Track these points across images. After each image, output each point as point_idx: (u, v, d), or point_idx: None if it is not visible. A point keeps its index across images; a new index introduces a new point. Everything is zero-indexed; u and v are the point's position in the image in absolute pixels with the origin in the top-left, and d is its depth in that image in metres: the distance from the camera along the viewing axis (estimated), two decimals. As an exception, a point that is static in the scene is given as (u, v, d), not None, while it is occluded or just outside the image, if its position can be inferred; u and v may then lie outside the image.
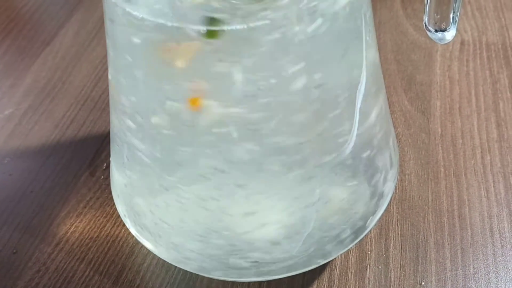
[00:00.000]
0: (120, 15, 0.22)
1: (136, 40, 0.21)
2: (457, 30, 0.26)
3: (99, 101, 0.39)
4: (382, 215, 0.28)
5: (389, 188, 0.27)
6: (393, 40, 0.42)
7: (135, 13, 0.21)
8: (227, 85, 0.21)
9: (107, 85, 0.40)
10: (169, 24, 0.20)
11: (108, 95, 0.39)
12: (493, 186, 0.32)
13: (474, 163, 0.33)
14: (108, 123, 0.37)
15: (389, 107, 0.36)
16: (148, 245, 0.27)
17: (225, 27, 0.20)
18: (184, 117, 0.22)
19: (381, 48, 0.41)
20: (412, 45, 0.41)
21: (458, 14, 0.25)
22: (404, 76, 0.39)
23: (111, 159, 0.28)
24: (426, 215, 0.31)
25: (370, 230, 0.29)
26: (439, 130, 0.35)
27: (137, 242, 0.30)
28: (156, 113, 0.23)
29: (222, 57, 0.20)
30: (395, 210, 0.31)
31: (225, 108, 0.22)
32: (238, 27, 0.20)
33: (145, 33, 0.21)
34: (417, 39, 0.41)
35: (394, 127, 0.35)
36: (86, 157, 0.35)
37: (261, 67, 0.21)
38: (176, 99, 0.22)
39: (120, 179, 0.27)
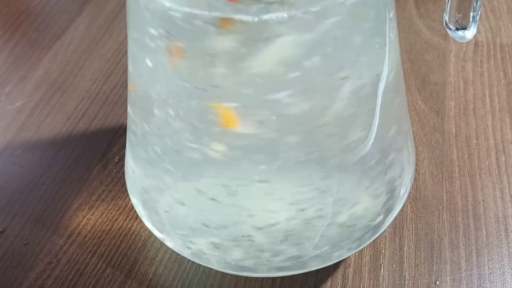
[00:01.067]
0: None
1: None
2: (477, 28, 0.26)
3: (110, 95, 0.39)
4: (397, 214, 0.28)
5: (405, 188, 0.27)
6: (407, 40, 0.42)
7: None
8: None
9: (119, 79, 0.40)
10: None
11: (120, 88, 0.39)
12: (508, 187, 0.32)
13: (488, 164, 0.33)
14: (120, 116, 0.37)
15: (403, 106, 0.37)
16: (163, 238, 0.27)
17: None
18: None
19: (394, 47, 0.41)
20: (425, 45, 0.41)
21: (479, 13, 0.25)
22: (418, 75, 0.39)
23: (128, 151, 0.28)
24: (441, 214, 0.31)
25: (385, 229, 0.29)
26: (454, 130, 0.35)
27: (150, 236, 0.30)
28: (182, 109, 0.22)
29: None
30: (409, 209, 0.31)
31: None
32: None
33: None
34: (431, 39, 0.41)
35: (408, 126, 0.35)
36: (98, 150, 0.35)
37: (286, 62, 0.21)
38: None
39: (137, 170, 0.27)
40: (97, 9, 0.47)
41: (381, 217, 0.26)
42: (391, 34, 0.23)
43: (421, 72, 0.39)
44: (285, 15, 0.20)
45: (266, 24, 0.20)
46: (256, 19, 0.20)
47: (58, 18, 0.46)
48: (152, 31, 0.22)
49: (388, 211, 0.26)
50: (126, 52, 0.42)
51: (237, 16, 0.20)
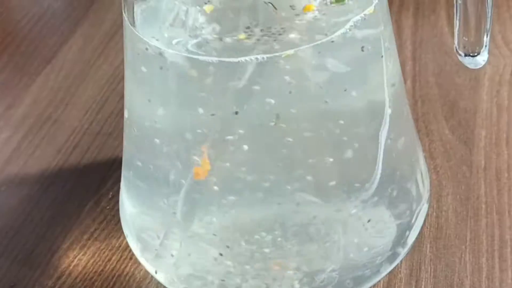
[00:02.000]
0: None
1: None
2: (488, 53, 0.31)
3: (105, 125, 0.44)
4: (409, 250, 0.33)
5: (417, 222, 0.32)
6: (436, 61, 0.46)
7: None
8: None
9: (114, 107, 0.46)
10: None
11: (115, 118, 0.45)
12: (540, 226, 0.36)
13: (520, 200, 0.37)
14: (115, 148, 0.42)
15: (428, 136, 0.41)
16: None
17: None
18: None
19: (421, 70, 0.46)
20: (456, 66, 0.46)
21: (489, 37, 0.30)
22: (446, 101, 0.43)
23: (123, 186, 0.33)
24: (463, 255, 0.35)
25: (398, 269, 0.34)
26: (483, 162, 0.40)
27: (145, 277, 0.35)
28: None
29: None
30: (428, 249, 0.35)
31: None
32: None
33: None
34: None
35: (432, 158, 0.40)
36: (90, 185, 0.40)
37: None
38: None
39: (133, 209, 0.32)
40: (91, 29, 0.53)
41: (390, 255, 0.31)
42: (388, 63, 0.28)
43: (450, 98, 0.44)
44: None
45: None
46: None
47: (48, 40, 0.52)
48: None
49: (396, 248, 0.31)
50: (122, 78, 0.47)
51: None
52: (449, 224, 0.37)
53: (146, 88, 0.29)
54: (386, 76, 0.29)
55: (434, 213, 0.37)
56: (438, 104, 0.43)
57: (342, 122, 0.28)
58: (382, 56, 0.28)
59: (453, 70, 0.46)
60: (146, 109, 0.30)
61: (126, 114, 0.31)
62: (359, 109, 0.28)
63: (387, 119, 0.29)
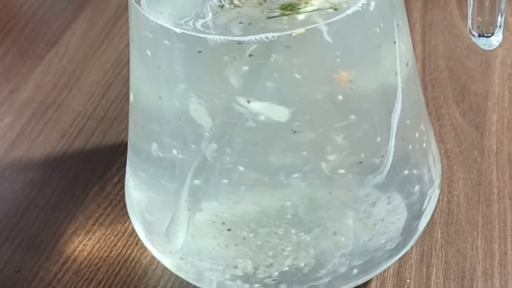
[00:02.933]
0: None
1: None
2: (503, 34, 0.30)
3: (110, 109, 0.44)
4: (420, 236, 0.32)
5: (428, 208, 0.31)
6: (446, 44, 0.46)
7: None
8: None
9: (119, 92, 0.45)
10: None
11: (120, 102, 0.44)
12: (554, 211, 0.35)
13: (533, 185, 0.37)
14: (120, 133, 0.42)
15: (439, 120, 0.41)
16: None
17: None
18: None
19: (431, 53, 0.45)
20: (467, 50, 0.45)
21: (503, 16, 0.30)
22: (457, 85, 0.43)
23: (128, 170, 0.32)
24: (475, 241, 0.35)
25: (409, 255, 0.33)
26: (494, 147, 0.39)
27: (151, 263, 0.35)
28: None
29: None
30: (439, 234, 0.35)
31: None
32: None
33: None
34: (474, 43, 0.45)
35: (443, 142, 0.40)
36: (95, 170, 0.40)
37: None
38: None
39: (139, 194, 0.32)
40: (95, 13, 0.52)
41: (401, 240, 0.31)
42: (401, 43, 0.28)
43: (461, 82, 0.43)
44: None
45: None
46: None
47: (52, 24, 0.52)
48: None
49: (408, 234, 0.31)
50: (126, 62, 0.47)
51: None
52: (461, 210, 0.36)
53: (153, 69, 0.28)
54: (399, 56, 0.28)
55: (445, 198, 0.37)
56: (448, 88, 0.43)
57: (354, 104, 0.27)
58: (394, 36, 0.28)
59: (464, 53, 0.45)
60: (153, 91, 0.29)
61: (131, 97, 0.31)
62: (371, 91, 0.28)
63: (399, 100, 0.29)
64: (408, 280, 0.33)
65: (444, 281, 0.33)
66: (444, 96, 0.42)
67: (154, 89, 0.29)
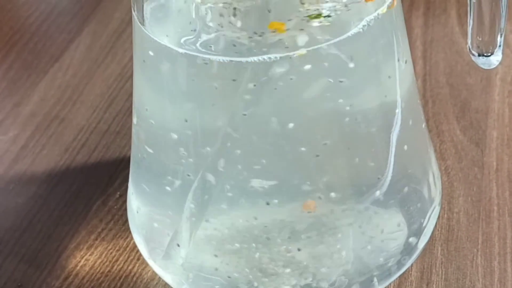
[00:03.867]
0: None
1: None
2: (503, 52, 0.30)
3: (112, 124, 0.44)
4: (420, 253, 0.32)
5: (428, 225, 0.31)
6: (447, 60, 0.46)
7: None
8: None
9: (122, 106, 0.45)
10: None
11: (123, 117, 0.45)
12: (553, 228, 0.36)
13: (532, 202, 0.37)
14: (123, 147, 0.42)
15: (439, 136, 0.41)
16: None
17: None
18: None
19: (432, 69, 0.46)
20: (468, 66, 0.45)
21: (503, 35, 0.30)
22: (457, 102, 0.43)
23: (131, 185, 0.33)
24: (475, 258, 0.35)
25: (409, 272, 0.33)
26: (495, 164, 0.39)
27: (153, 278, 0.35)
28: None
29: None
30: (439, 251, 0.35)
31: None
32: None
33: None
34: (474, 60, 0.46)
35: (443, 159, 0.40)
36: (98, 184, 0.40)
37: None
38: None
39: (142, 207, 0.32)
40: (99, 27, 0.53)
41: (401, 258, 0.31)
42: (401, 62, 0.28)
43: (461, 98, 0.43)
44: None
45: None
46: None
47: (56, 38, 0.52)
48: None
49: (408, 251, 0.31)
50: (130, 76, 0.47)
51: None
52: (461, 226, 0.36)
53: (156, 87, 0.29)
54: (399, 76, 0.28)
55: (446, 215, 0.37)
56: (449, 104, 0.43)
57: (353, 122, 0.27)
58: (395, 56, 0.28)
59: (464, 70, 0.45)
60: (156, 108, 0.29)
61: (134, 114, 0.31)
62: (371, 110, 0.28)
63: (399, 119, 0.29)
64: (408, 297, 0.33)
65: (444, 299, 0.33)
66: (444, 112, 0.42)
67: (156, 106, 0.29)
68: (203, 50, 0.26)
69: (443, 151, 0.40)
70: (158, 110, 0.29)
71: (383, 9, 0.26)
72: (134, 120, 0.31)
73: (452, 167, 0.39)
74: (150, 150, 0.30)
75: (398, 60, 0.28)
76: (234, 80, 0.26)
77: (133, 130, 0.32)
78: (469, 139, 0.41)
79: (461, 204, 0.37)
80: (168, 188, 0.30)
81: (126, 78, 0.48)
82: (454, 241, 0.35)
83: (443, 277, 0.34)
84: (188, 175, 0.29)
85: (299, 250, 0.29)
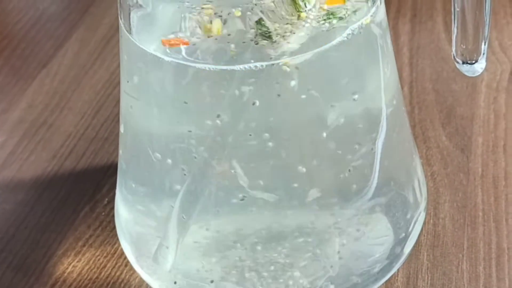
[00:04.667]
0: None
1: None
2: (487, 60, 0.31)
3: (101, 130, 0.44)
4: (406, 259, 0.32)
5: (414, 231, 0.32)
6: (433, 67, 0.46)
7: None
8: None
9: (110, 112, 0.45)
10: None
11: (111, 123, 0.45)
12: (538, 234, 0.36)
13: (517, 208, 0.37)
14: (111, 154, 0.42)
15: (425, 142, 0.41)
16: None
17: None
18: None
19: (418, 76, 0.46)
20: (453, 73, 0.45)
21: (487, 44, 0.30)
22: (443, 108, 0.43)
23: (118, 192, 0.33)
24: (460, 263, 0.35)
25: (395, 277, 0.34)
26: (480, 170, 0.39)
27: (140, 285, 0.35)
28: None
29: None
30: (425, 257, 0.35)
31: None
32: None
33: None
34: (460, 66, 0.46)
35: (429, 165, 0.40)
36: (85, 191, 0.40)
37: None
38: None
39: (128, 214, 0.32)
40: (87, 33, 0.53)
41: (387, 263, 0.31)
42: (386, 69, 0.28)
43: (447, 104, 0.44)
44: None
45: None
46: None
47: (44, 44, 0.52)
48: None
49: (394, 257, 0.31)
50: (118, 83, 0.47)
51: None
52: (446, 232, 0.36)
53: (142, 95, 0.29)
54: (384, 83, 0.28)
55: (431, 221, 0.37)
56: (435, 111, 0.43)
57: (339, 130, 0.28)
58: (379, 64, 0.28)
59: (450, 76, 0.46)
60: (142, 115, 0.29)
61: (121, 121, 0.31)
62: (356, 117, 0.28)
63: (384, 126, 0.29)
64: (394, 303, 0.33)
65: (429, 304, 0.33)
66: (430, 118, 0.43)
67: (144, 114, 0.29)
68: (189, 58, 0.26)
69: (429, 157, 0.40)
70: (144, 118, 0.29)
71: (366, 19, 0.26)
72: (121, 128, 0.31)
73: (438, 173, 0.40)
74: (137, 158, 0.30)
75: (383, 68, 0.29)
76: (220, 87, 0.26)
77: (120, 137, 0.32)
78: (455, 145, 0.41)
79: (446, 209, 0.38)
80: (155, 195, 0.30)
81: (114, 84, 0.48)
82: (440, 246, 0.36)
83: (429, 282, 0.34)
84: (175, 183, 0.29)
85: (285, 256, 0.29)
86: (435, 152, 0.41)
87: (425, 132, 0.42)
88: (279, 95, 0.26)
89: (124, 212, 0.32)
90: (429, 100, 0.44)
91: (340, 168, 0.28)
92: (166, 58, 0.26)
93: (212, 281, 0.30)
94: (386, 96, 0.29)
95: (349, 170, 0.29)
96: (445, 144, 0.41)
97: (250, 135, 0.27)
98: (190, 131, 0.27)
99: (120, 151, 0.32)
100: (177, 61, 0.26)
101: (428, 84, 0.45)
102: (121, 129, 0.31)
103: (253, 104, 0.26)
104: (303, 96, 0.26)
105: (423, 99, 0.44)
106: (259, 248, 0.29)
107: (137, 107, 0.29)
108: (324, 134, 0.27)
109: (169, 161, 0.29)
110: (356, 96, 0.27)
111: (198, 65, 0.26)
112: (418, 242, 0.35)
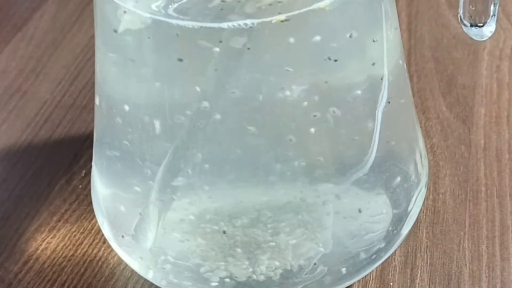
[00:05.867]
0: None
1: None
2: (497, 24, 0.28)
3: (78, 98, 0.42)
4: (405, 239, 0.30)
5: (414, 208, 0.30)
6: (432, 34, 0.44)
7: None
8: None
9: (89, 79, 0.43)
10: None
11: (90, 90, 0.42)
12: (544, 210, 0.34)
13: (522, 183, 0.35)
14: (89, 123, 0.40)
15: (424, 113, 0.39)
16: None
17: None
18: None
19: (417, 43, 0.44)
20: (454, 40, 0.44)
21: (498, 6, 0.28)
22: (443, 77, 0.41)
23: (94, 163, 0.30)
24: (462, 241, 0.33)
25: (392, 256, 0.32)
26: (482, 142, 0.38)
27: (119, 263, 0.33)
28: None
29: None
30: (424, 235, 0.33)
31: None
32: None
33: None
34: (461, 33, 0.44)
35: (429, 137, 0.38)
36: (61, 162, 0.38)
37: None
38: None
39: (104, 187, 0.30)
40: (65, -5, 0.50)
41: (386, 241, 0.29)
42: (389, 32, 0.26)
43: (447, 73, 0.42)
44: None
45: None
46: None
47: (19, 6, 0.50)
48: None
49: (393, 234, 0.29)
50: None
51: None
52: (447, 208, 0.35)
53: (120, 59, 0.26)
54: (386, 45, 0.26)
55: (431, 196, 0.35)
56: (435, 80, 0.41)
57: (336, 96, 0.25)
58: (382, 25, 0.26)
59: (451, 43, 0.44)
60: (120, 82, 0.27)
61: (97, 91, 0.29)
62: (356, 83, 0.26)
63: (385, 93, 0.27)
64: (391, 283, 0.32)
65: (429, 284, 0.31)
66: (430, 88, 0.41)
67: (123, 80, 0.27)
68: (174, 15, 0.24)
69: (428, 128, 0.39)
70: (123, 85, 0.27)
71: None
72: (96, 98, 0.29)
73: (438, 145, 0.38)
74: (114, 129, 0.28)
75: (386, 31, 0.26)
76: (207, 47, 0.23)
77: (96, 106, 0.29)
78: (456, 116, 0.39)
79: (447, 184, 0.36)
80: (134, 168, 0.28)
81: (93, 49, 0.45)
82: (440, 223, 0.34)
83: (428, 261, 0.32)
84: (157, 154, 0.26)
85: (275, 234, 0.27)
86: (434, 123, 0.39)
87: (424, 102, 0.40)
88: (273, 56, 0.24)
89: (101, 186, 0.30)
90: (428, 69, 0.42)
91: (338, 138, 0.26)
92: (147, 15, 0.24)
93: (199, 262, 0.28)
94: (388, 60, 0.26)
95: (346, 140, 0.26)
96: (446, 115, 0.39)
97: (242, 100, 0.24)
98: (172, 97, 0.25)
99: (96, 120, 0.30)
100: (160, 18, 0.23)
101: (428, 51, 0.43)
102: (96, 101, 0.29)
103: (247, 65, 0.23)
104: (298, 57, 0.24)
105: (422, 67, 0.42)
106: (249, 224, 0.27)
107: (114, 74, 0.27)
108: (322, 99, 0.25)
109: (151, 129, 0.26)
110: (356, 59, 0.25)
111: (182, 23, 0.23)
112: (417, 219, 0.33)
